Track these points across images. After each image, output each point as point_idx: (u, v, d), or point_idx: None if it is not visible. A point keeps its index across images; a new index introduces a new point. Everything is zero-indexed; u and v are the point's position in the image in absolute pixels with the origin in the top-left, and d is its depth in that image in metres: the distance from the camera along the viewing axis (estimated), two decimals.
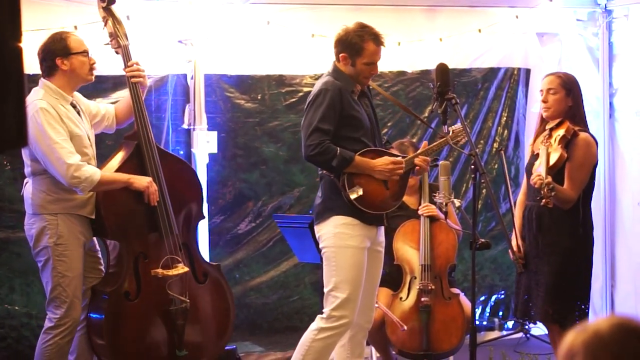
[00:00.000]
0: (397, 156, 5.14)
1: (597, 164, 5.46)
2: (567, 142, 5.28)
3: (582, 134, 5.34)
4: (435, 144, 5.27)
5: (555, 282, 5.30)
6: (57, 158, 4.98)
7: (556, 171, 5.24)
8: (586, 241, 5.40)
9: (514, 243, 5.46)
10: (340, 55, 5.07)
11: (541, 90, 5.48)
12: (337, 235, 5.01)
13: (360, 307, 5.14)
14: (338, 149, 4.90)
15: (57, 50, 5.15)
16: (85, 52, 5.20)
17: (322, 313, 5.08)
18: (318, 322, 5.07)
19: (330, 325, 5.02)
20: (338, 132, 4.97)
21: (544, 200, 5.08)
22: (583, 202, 5.35)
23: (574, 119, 5.38)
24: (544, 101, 5.42)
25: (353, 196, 4.94)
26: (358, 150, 5.00)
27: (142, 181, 5.22)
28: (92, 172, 5.05)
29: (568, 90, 5.39)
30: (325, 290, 5.07)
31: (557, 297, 5.31)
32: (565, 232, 5.33)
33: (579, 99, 5.45)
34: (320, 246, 5.13)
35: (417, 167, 5.16)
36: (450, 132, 5.19)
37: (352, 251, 5.02)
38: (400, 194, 5.17)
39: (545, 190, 5.05)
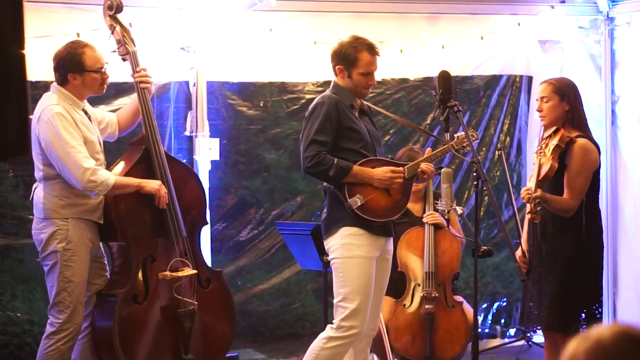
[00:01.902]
0: (399, 165, 5.13)
1: (599, 168, 5.41)
2: (563, 151, 5.25)
3: (580, 141, 5.29)
4: (438, 150, 5.26)
5: (559, 291, 5.26)
6: (73, 162, 5.00)
7: (552, 180, 5.23)
8: (591, 247, 5.34)
9: (518, 250, 5.44)
10: (337, 67, 5.08)
11: (536, 99, 5.48)
12: (344, 246, 4.99)
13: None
14: (335, 159, 4.89)
15: (71, 67, 5.15)
16: (99, 69, 5.21)
17: (332, 323, 5.08)
18: (328, 331, 5.06)
19: (339, 335, 5.00)
20: (337, 144, 4.97)
21: (530, 216, 5.08)
22: (586, 209, 5.30)
23: (572, 123, 5.34)
24: (539, 110, 5.40)
25: (354, 205, 4.93)
26: (356, 161, 4.99)
27: (153, 184, 5.26)
28: (107, 176, 5.09)
29: (562, 95, 5.34)
30: (335, 301, 5.06)
31: (562, 306, 5.27)
32: (568, 240, 5.29)
33: (577, 101, 5.39)
34: (329, 258, 5.13)
35: (420, 171, 5.14)
36: (455, 139, 5.19)
37: (360, 261, 5.00)
38: (404, 201, 5.14)
39: (532, 205, 5.06)
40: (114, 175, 5.16)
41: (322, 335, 5.07)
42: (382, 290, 5.28)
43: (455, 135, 5.21)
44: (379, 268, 5.13)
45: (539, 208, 5.06)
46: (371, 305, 5.11)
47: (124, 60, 5.44)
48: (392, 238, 5.26)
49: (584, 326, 5.33)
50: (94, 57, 5.19)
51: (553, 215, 5.27)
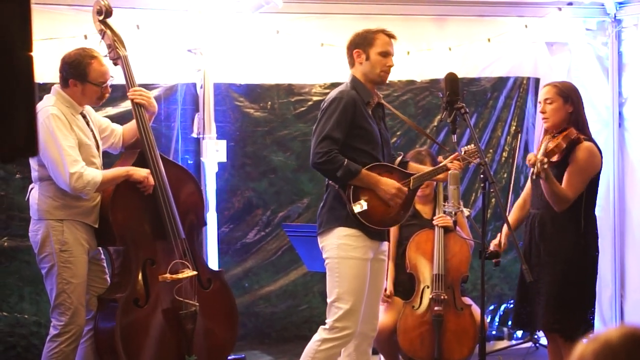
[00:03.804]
0: (408, 175, 5.13)
1: (598, 174, 5.41)
2: (571, 143, 5.28)
3: (587, 143, 5.32)
4: (443, 164, 5.25)
5: (557, 292, 5.31)
6: (63, 165, 5.01)
7: (555, 164, 5.25)
8: (588, 251, 5.37)
9: (496, 238, 5.50)
10: (354, 52, 5.09)
11: (539, 102, 5.50)
12: (340, 247, 5.01)
13: (364, 316, 5.15)
14: (345, 160, 4.88)
15: (74, 74, 5.16)
16: (101, 83, 5.20)
17: (324, 324, 5.09)
18: (321, 334, 5.07)
19: (333, 336, 5.02)
20: (348, 141, 4.96)
21: (535, 172, 5.09)
22: (585, 212, 5.33)
23: (576, 126, 5.37)
24: (542, 112, 5.42)
25: (357, 209, 4.93)
26: (366, 163, 4.98)
27: (141, 172, 5.25)
28: (93, 175, 5.07)
29: (565, 98, 5.37)
30: (329, 300, 5.08)
31: (559, 307, 5.31)
32: (567, 241, 5.32)
33: (579, 105, 5.42)
34: (324, 257, 5.13)
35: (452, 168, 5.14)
36: (463, 152, 5.21)
37: (355, 262, 5.01)
38: (404, 212, 5.16)
39: (539, 165, 5.07)
40: (101, 172, 5.14)
41: (315, 337, 5.09)
42: (379, 291, 5.33)
43: (463, 148, 5.24)
44: (375, 269, 5.16)
45: (545, 166, 5.07)
46: (369, 306, 5.16)
47: (115, 64, 5.41)
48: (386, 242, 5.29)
49: (581, 329, 5.35)
50: (99, 70, 5.20)
51: (552, 216, 5.31)
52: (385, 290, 5.98)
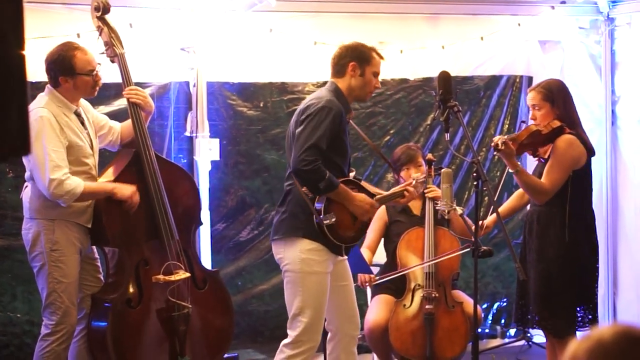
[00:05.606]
0: (371, 195, 5.10)
1: (585, 170, 5.42)
2: (553, 133, 5.31)
3: (568, 135, 5.34)
4: (399, 188, 5.29)
5: (542, 290, 5.35)
6: (44, 170, 4.97)
7: (525, 147, 5.40)
8: (574, 248, 5.34)
9: (488, 221, 5.68)
10: (350, 64, 5.01)
11: (529, 106, 5.55)
12: (304, 261, 4.96)
13: (344, 316, 5.18)
14: (327, 172, 4.80)
15: (62, 70, 5.13)
16: (90, 72, 5.17)
17: (286, 337, 5.07)
18: (285, 351, 5.05)
19: (298, 351, 5.01)
20: (325, 153, 4.85)
21: (493, 146, 5.26)
22: (571, 210, 5.33)
23: (567, 124, 5.39)
24: (533, 118, 5.47)
25: (326, 222, 4.86)
26: (336, 177, 4.91)
27: (125, 191, 5.19)
28: (74, 185, 5.01)
29: (552, 102, 5.40)
30: (290, 313, 5.05)
31: (545, 305, 5.33)
32: (550, 239, 5.34)
33: (567, 103, 5.45)
34: (284, 268, 5.08)
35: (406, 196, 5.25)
36: (414, 182, 5.24)
37: (319, 277, 4.99)
38: (361, 234, 5.16)
39: (500, 143, 5.18)
40: (84, 184, 5.07)
41: (280, 357, 5.08)
42: (351, 289, 5.29)
43: (413, 176, 5.41)
44: (339, 270, 5.15)
45: (503, 146, 5.20)
46: (344, 303, 5.18)
47: (112, 62, 5.39)
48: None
49: (572, 326, 5.36)
50: (84, 59, 5.16)
51: (539, 214, 5.36)
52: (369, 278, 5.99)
